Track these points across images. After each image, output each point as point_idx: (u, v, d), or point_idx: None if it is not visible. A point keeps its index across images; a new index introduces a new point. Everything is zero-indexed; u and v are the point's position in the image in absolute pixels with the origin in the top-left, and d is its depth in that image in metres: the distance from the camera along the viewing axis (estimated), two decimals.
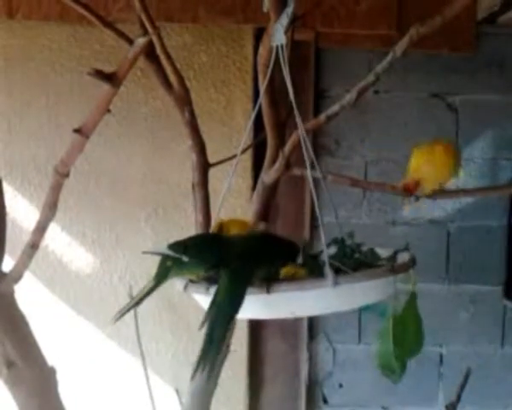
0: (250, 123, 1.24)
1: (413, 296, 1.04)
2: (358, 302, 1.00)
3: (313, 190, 1.03)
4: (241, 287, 0.88)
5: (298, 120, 1.06)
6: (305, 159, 1.03)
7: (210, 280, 0.96)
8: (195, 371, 0.85)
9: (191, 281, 0.99)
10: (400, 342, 1.05)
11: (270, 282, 0.89)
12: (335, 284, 0.88)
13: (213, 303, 0.88)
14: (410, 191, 1.14)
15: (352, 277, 0.92)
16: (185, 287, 0.98)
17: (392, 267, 0.96)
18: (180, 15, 1.85)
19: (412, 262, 1.00)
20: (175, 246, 0.95)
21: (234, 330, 1.50)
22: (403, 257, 1.04)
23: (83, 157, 1.03)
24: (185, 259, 0.93)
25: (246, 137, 1.24)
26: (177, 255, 0.93)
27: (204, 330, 0.87)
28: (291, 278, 0.99)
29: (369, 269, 0.97)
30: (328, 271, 0.89)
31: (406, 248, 1.05)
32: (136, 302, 0.96)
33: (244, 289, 0.88)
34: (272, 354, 2.05)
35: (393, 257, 1.04)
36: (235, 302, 0.87)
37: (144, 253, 0.98)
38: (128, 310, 0.96)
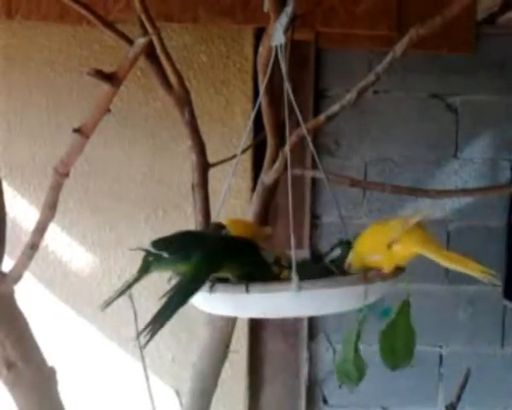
0: (250, 123, 1.25)
1: (405, 304, 1.02)
2: (326, 309, 0.99)
3: (290, 189, 1.04)
4: (204, 273, 0.93)
5: (286, 117, 1.06)
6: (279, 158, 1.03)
7: None
8: (141, 331, 0.95)
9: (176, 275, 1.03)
10: (390, 350, 1.03)
11: (248, 281, 0.91)
12: (299, 289, 0.88)
13: (179, 281, 0.94)
14: None
15: (316, 283, 0.91)
16: (169, 280, 1.02)
17: (365, 276, 0.94)
18: (180, 16, 1.85)
19: (395, 271, 0.97)
20: (159, 242, 1.00)
21: (233, 330, 1.50)
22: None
23: (82, 157, 1.03)
24: (165, 255, 0.98)
25: (245, 137, 1.24)
26: (157, 252, 0.99)
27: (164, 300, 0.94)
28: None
29: (338, 276, 0.97)
30: (293, 276, 0.89)
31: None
32: (119, 294, 1.01)
33: (206, 276, 0.93)
34: (272, 355, 2.05)
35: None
36: (195, 284, 0.92)
37: (131, 250, 1.06)
38: (111, 302, 1.01)
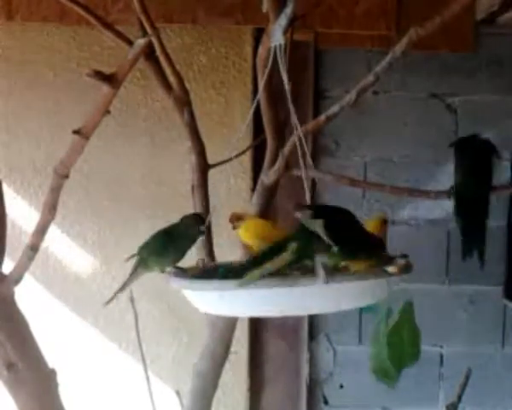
0: (248, 118, 1.24)
1: (408, 305, 1.03)
2: (348, 304, 1.00)
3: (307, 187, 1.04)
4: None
5: (294, 118, 1.06)
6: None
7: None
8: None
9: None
10: (397, 351, 1.04)
11: (328, 271, 0.90)
12: (326, 282, 0.88)
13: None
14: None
15: (343, 276, 0.92)
16: (169, 281, 1.07)
17: (385, 271, 0.96)
18: (179, 16, 1.85)
19: (407, 268, 0.98)
20: (142, 247, 1.16)
21: (234, 331, 1.51)
22: (400, 263, 1.02)
23: (82, 159, 1.03)
24: (145, 256, 1.13)
25: (238, 135, 1.24)
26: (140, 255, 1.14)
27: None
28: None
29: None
30: (319, 270, 0.89)
31: (404, 255, 1.04)
32: (118, 292, 1.16)
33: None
34: (273, 355, 2.05)
35: (391, 261, 1.03)
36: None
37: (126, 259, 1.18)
38: (112, 298, 1.16)
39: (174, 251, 1.11)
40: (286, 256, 0.92)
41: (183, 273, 1.09)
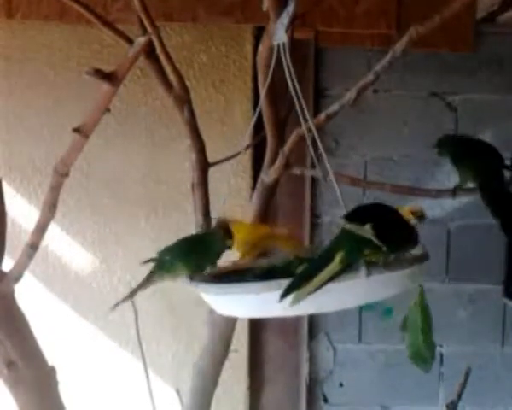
0: (254, 119, 1.24)
1: (421, 290, 1.06)
2: (382, 294, 1.00)
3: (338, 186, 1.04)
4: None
5: (309, 118, 1.06)
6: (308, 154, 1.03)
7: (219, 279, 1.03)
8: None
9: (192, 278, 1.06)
10: (428, 337, 1.07)
11: (369, 265, 0.90)
12: (368, 275, 0.88)
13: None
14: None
15: (382, 268, 0.91)
16: (190, 282, 1.04)
17: (421, 256, 0.97)
18: (180, 15, 1.85)
19: (425, 255, 0.99)
20: (165, 250, 1.09)
21: (234, 329, 1.51)
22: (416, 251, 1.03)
23: (82, 157, 1.03)
24: (168, 259, 1.08)
25: (246, 137, 1.24)
26: (162, 259, 1.08)
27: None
28: None
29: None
30: (360, 264, 0.89)
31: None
32: (130, 295, 1.11)
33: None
34: (273, 354, 2.05)
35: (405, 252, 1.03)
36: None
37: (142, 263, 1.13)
38: (122, 301, 1.11)
39: (198, 258, 1.06)
40: (333, 267, 0.89)
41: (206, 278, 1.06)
